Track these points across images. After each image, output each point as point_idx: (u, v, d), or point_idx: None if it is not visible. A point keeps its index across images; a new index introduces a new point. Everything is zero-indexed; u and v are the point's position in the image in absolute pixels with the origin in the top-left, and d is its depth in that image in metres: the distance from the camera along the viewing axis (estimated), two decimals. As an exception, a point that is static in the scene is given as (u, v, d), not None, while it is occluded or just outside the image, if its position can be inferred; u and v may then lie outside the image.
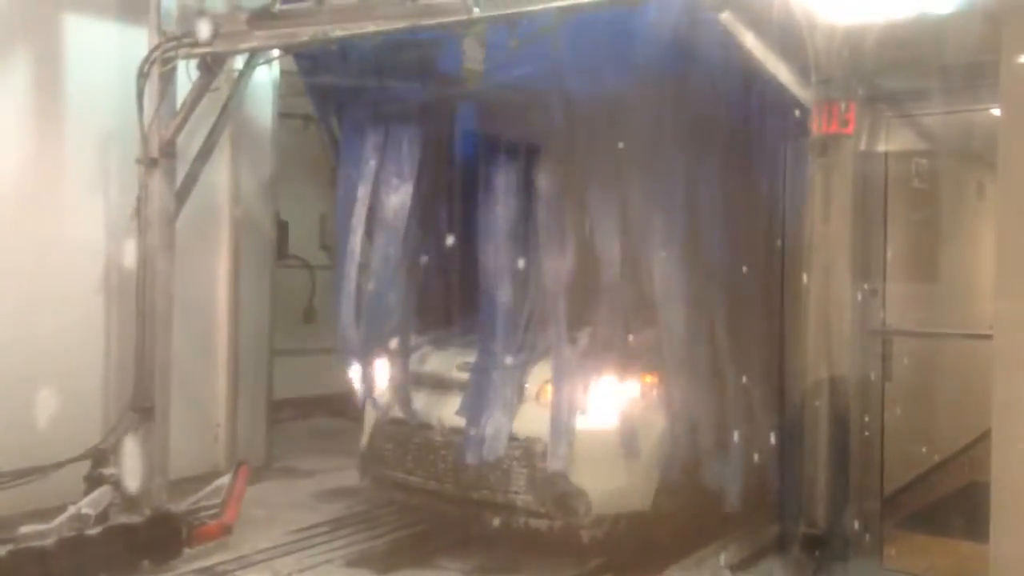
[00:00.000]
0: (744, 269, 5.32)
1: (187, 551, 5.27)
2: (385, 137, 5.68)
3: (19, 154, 5.86)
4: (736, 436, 5.33)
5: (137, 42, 5.98)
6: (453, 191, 5.96)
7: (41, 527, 4.96)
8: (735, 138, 5.24)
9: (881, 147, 5.35)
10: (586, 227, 5.27)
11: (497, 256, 5.42)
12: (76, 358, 6.09)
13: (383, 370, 5.78)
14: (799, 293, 5.10)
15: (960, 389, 5.99)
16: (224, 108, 6.46)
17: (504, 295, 5.39)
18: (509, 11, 4.83)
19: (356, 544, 5.69)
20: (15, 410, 5.66)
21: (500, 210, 5.46)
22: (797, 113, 5.02)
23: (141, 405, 5.85)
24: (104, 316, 6.26)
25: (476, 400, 5.32)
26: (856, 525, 4.93)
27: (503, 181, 5.48)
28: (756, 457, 5.32)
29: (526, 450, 5.21)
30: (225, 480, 5.93)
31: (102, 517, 5.25)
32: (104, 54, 6.18)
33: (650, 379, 5.34)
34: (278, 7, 5.53)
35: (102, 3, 6.22)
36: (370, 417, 5.85)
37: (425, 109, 5.68)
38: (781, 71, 4.82)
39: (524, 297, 5.47)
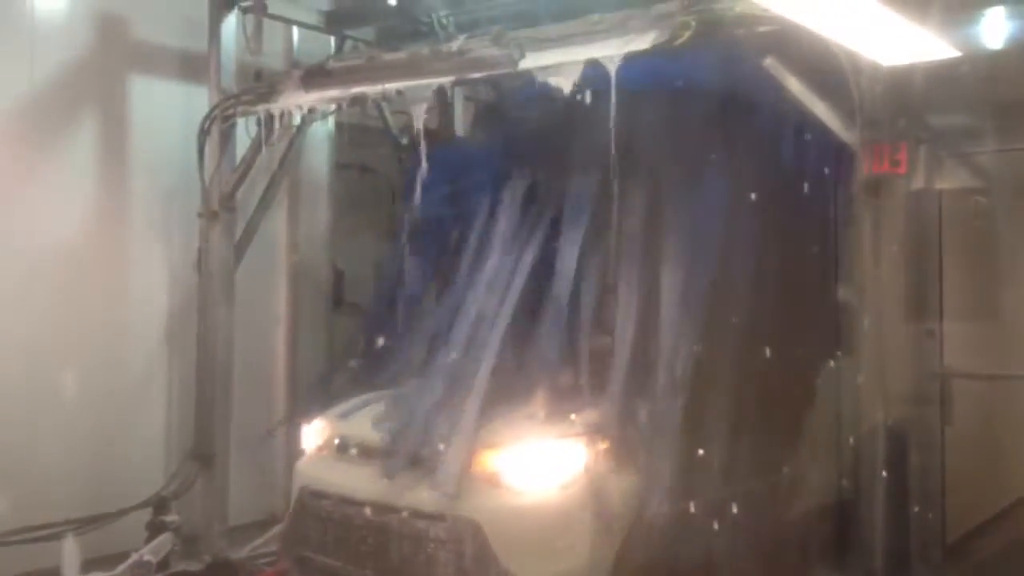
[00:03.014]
0: (795, 313, 5.20)
1: (245, 598, 5.36)
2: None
3: (88, 210, 6.09)
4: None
5: (198, 100, 6.24)
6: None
7: (105, 575, 5.08)
8: (780, 183, 5.18)
9: (935, 186, 5.28)
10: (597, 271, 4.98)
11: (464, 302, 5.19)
12: (140, 407, 6.25)
13: (316, 432, 5.34)
14: (853, 336, 5.03)
15: (1026, 432, 5.83)
16: (282, 161, 6.67)
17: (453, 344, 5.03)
18: (553, 62, 4.92)
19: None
20: (82, 459, 5.82)
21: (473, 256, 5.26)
22: (845, 155, 4.99)
23: (201, 453, 6.00)
24: (167, 365, 6.42)
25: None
26: (917, 574, 4.80)
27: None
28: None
29: (452, 530, 4.42)
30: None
31: (163, 564, 5.36)
32: (167, 113, 6.42)
33: (606, 444, 4.55)
34: (331, 64, 5.74)
35: (166, 65, 6.47)
36: (295, 488, 5.23)
37: None
38: (826, 114, 4.80)
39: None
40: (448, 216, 5.77)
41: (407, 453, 4.70)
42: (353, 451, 4.98)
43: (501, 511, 4.44)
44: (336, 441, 5.12)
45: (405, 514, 4.55)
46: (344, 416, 5.23)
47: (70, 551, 5.08)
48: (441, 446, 4.63)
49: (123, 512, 5.75)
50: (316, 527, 4.92)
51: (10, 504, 5.26)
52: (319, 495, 4.96)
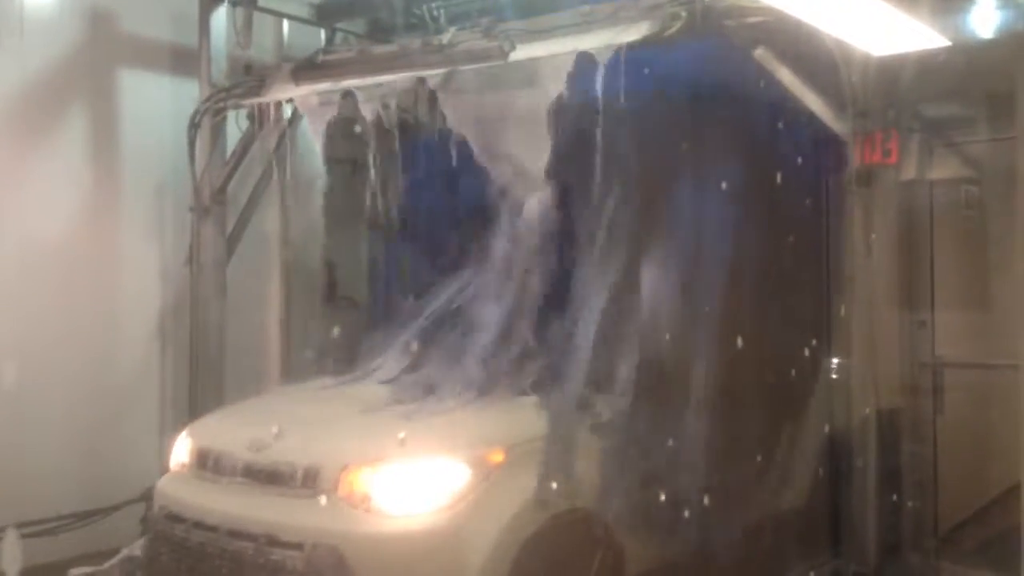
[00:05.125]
0: (785, 302, 5.20)
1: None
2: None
3: (78, 205, 6.06)
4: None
5: (188, 94, 6.21)
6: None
7: (90, 570, 5.07)
8: (772, 174, 5.17)
9: (926, 176, 5.30)
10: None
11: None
12: (133, 402, 6.22)
13: (180, 446, 4.78)
14: (844, 326, 5.04)
15: (1019, 420, 5.83)
16: (273, 155, 6.64)
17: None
18: (544, 53, 4.91)
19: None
20: (75, 454, 5.81)
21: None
22: (836, 145, 5.00)
23: (195, 447, 5.99)
24: (160, 360, 6.40)
25: None
26: (910, 563, 4.83)
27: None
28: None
29: (311, 560, 3.84)
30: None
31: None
32: (157, 107, 6.39)
33: (497, 457, 4.02)
34: (321, 58, 5.71)
35: (155, 59, 6.43)
36: (154, 509, 4.67)
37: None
38: (817, 105, 4.80)
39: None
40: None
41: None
42: (213, 468, 4.39)
43: (368, 539, 3.87)
44: (196, 457, 4.56)
45: (261, 541, 3.98)
46: (208, 428, 4.79)
47: (11, 547, 4.99)
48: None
49: (115, 507, 5.76)
50: (171, 554, 4.33)
51: (3, 500, 5.25)
52: (174, 518, 4.36)
